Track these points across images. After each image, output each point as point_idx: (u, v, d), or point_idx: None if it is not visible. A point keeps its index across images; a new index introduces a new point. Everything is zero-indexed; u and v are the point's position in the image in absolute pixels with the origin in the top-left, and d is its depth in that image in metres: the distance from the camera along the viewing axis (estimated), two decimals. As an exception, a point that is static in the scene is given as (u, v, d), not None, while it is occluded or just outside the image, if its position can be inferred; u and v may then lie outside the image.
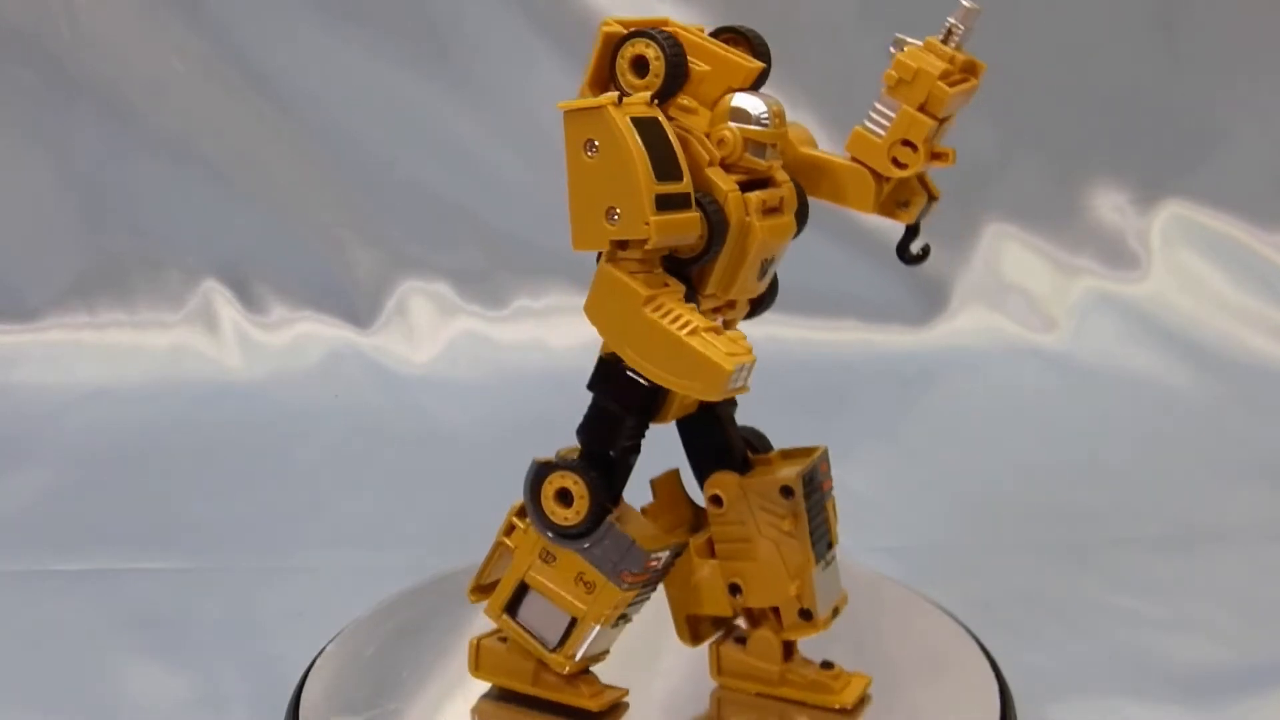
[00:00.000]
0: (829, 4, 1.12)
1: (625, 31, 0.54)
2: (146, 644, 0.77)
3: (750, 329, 0.53)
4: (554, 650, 0.60)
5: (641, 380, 0.55)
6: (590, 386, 0.57)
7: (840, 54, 1.12)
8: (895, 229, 0.58)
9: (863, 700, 0.62)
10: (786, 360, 1.11)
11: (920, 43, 0.56)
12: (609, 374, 0.57)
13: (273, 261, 1.17)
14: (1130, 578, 0.81)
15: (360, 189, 1.18)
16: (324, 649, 0.69)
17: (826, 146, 0.58)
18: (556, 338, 1.15)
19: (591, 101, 0.51)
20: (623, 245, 0.52)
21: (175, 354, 1.15)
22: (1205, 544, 0.85)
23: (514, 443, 1.01)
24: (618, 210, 0.51)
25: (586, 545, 0.58)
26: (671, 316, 0.52)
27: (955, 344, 1.13)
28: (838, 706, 0.62)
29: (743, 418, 0.63)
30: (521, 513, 0.60)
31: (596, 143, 0.51)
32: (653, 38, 0.54)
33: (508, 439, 1.02)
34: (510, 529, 0.61)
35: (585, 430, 0.58)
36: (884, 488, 0.93)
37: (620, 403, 0.57)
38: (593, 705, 0.61)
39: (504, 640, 0.62)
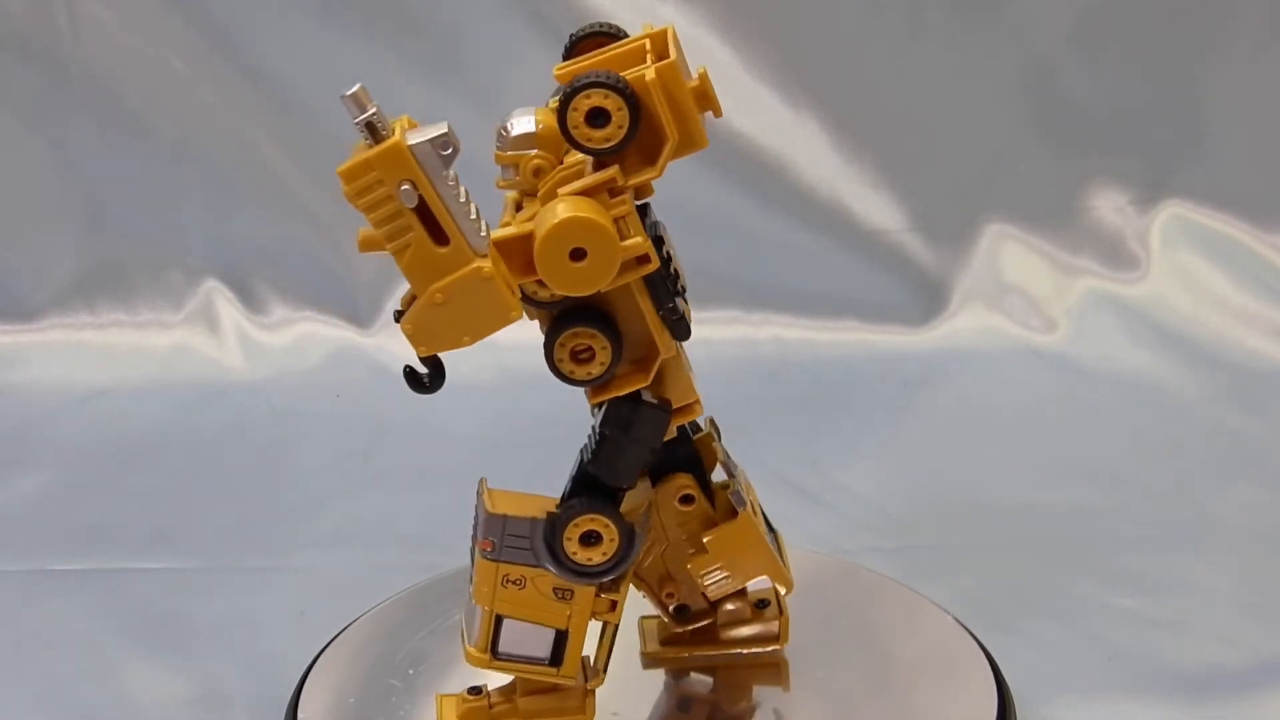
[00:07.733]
0: (832, 4, 1.12)
1: None
2: (146, 644, 0.77)
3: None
4: None
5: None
6: None
7: (842, 55, 1.12)
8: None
9: None
10: (787, 360, 1.11)
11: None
12: None
13: (274, 261, 1.17)
14: (1130, 578, 0.81)
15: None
16: (324, 649, 0.69)
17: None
18: (557, 338, 1.15)
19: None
20: None
21: (176, 354, 1.15)
22: (1205, 544, 0.85)
23: (514, 443, 1.02)
24: None
25: None
26: None
27: (955, 344, 1.12)
28: None
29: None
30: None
31: None
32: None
33: (508, 439, 1.02)
34: None
35: None
36: (884, 488, 0.93)
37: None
38: None
39: None
